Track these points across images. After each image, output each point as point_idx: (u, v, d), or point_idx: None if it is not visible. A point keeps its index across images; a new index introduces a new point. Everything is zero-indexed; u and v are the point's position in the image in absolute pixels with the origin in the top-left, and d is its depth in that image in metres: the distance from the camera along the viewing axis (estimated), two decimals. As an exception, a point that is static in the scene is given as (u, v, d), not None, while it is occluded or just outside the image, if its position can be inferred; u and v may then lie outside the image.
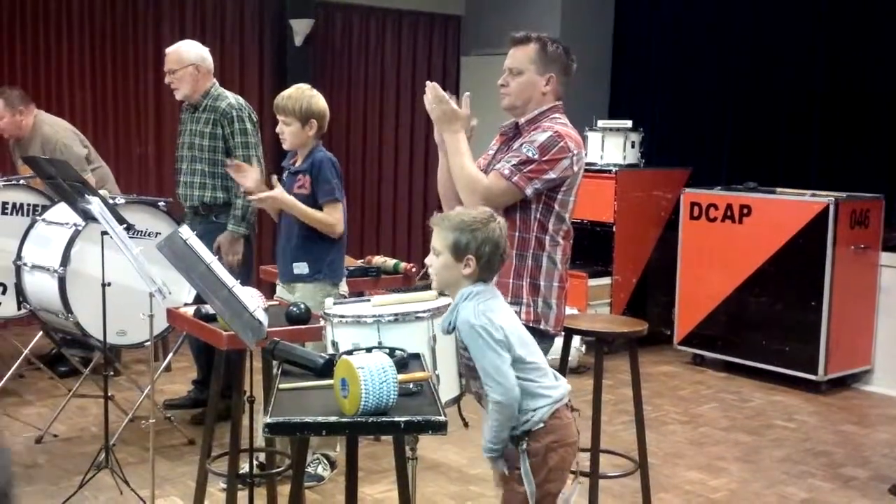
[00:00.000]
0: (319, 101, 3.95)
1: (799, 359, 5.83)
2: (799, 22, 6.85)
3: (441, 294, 3.06)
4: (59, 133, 5.48)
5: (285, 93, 3.96)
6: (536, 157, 2.98)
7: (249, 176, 4.01)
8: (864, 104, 6.55)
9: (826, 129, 6.75)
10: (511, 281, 3.03)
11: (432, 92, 3.05)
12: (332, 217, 3.91)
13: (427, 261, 2.68)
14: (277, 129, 3.95)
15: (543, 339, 2.99)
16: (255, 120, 4.74)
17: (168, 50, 4.78)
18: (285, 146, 3.99)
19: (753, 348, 6.06)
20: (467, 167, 3.05)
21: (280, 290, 4.07)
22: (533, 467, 2.56)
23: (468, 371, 2.66)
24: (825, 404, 5.64)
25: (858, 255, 5.84)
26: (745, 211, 6.07)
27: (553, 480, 2.58)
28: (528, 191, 2.99)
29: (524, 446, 2.55)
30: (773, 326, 5.94)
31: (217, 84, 4.78)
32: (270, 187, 3.90)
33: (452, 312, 2.60)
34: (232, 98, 4.72)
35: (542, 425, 2.55)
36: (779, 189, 6.18)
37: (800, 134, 6.89)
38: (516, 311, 2.97)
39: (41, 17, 6.65)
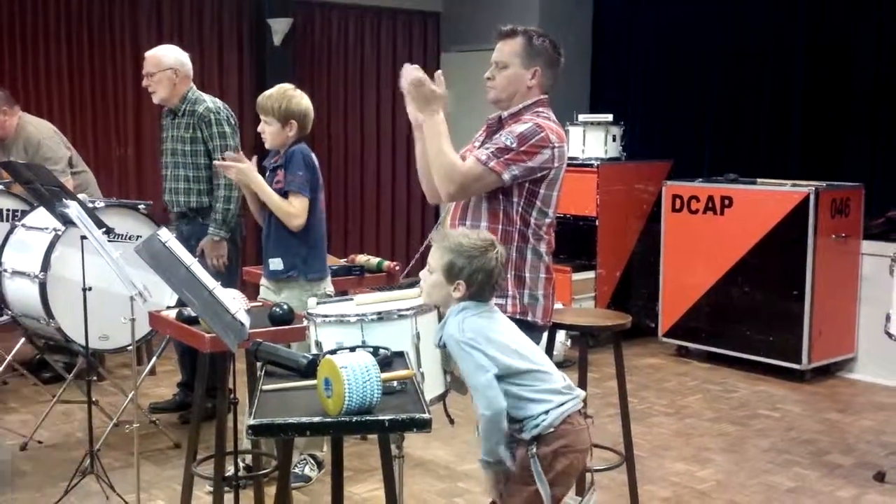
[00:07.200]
0: (301, 101, 3.92)
1: (782, 348, 5.85)
2: (779, 13, 6.87)
3: None
4: (43, 133, 5.44)
5: (267, 92, 3.94)
6: (515, 145, 2.96)
7: (233, 167, 3.89)
8: (842, 94, 6.57)
9: (805, 120, 6.77)
10: None
11: (413, 74, 2.97)
12: (292, 206, 3.85)
13: (421, 274, 2.69)
14: (259, 129, 3.94)
15: (531, 331, 2.98)
16: (233, 122, 4.72)
17: (147, 53, 4.77)
18: (266, 146, 3.97)
19: (737, 339, 6.08)
20: (445, 151, 2.99)
21: (264, 291, 4.05)
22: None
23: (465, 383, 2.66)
24: (809, 393, 5.67)
25: (839, 243, 5.87)
26: (727, 202, 6.09)
27: (558, 485, 2.57)
28: (506, 176, 2.96)
29: (534, 450, 2.54)
30: (757, 316, 5.97)
31: (194, 88, 4.76)
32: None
33: (442, 328, 2.60)
34: (209, 101, 4.70)
35: (552, 430, 2.54)
36: (759, 180, 6.20)
37: (780, 124, 6.91)
38: (502, 304, 2.97)
39: (17, 18, 6.59)
